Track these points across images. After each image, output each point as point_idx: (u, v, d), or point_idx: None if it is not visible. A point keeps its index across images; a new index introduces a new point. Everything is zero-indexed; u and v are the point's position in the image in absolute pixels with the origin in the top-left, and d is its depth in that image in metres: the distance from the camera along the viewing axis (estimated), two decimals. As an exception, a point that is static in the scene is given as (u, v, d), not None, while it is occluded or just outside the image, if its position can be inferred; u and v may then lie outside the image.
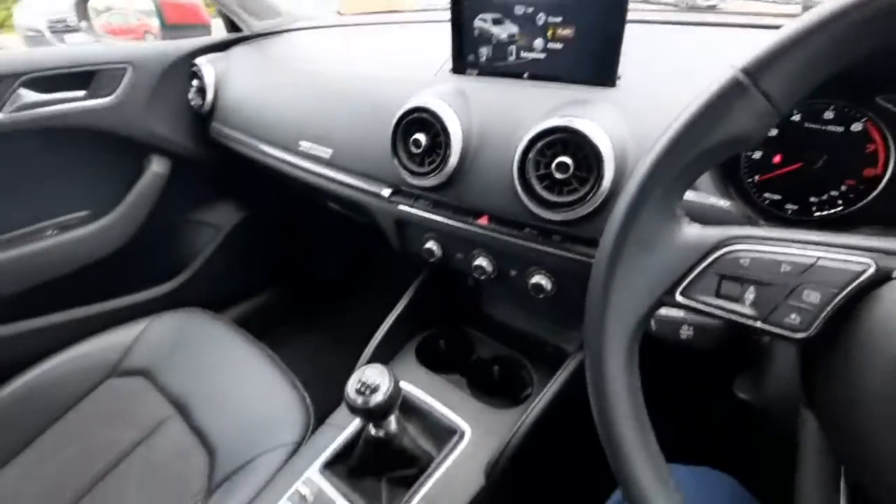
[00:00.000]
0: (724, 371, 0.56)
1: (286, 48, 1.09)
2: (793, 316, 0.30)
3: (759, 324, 0.32)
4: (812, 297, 0.29)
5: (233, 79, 1.08)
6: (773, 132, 0.56)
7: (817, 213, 0.54)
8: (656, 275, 0.34)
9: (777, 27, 0.32)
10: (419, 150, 0.68)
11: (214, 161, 1.23)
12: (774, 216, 0.57)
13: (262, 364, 0.91)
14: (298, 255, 1.63)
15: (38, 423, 0.88)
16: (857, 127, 0.52)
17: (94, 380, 0.93)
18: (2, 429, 0.86)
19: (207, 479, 0.77)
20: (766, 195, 0.58)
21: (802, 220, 0.55)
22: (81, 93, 1.03)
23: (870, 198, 0.51)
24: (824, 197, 0.53)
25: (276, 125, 0.96)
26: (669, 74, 0.61)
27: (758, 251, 0.32)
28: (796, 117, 0.54)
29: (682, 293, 0.34)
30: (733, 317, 0.32)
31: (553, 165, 0.57)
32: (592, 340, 0.35)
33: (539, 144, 0.58)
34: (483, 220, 0.69)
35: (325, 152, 0.85)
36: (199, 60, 1.10)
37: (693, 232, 0.35)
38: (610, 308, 0.35)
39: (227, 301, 1.41)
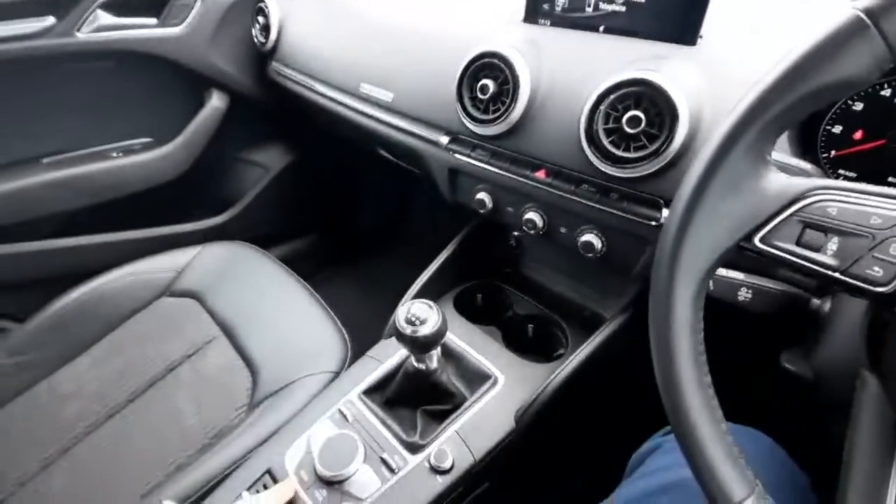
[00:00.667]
0: (773, 341, 0.56)
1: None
2: (875, 269, 0.30)
3: (837, 274, 0.31)
4: None
5: (297, 18, 1.09)
6: (859, 106, 0.54)
7: (895, 195, 0.52)
8: (738, 218, 0.34)
9: None
10: (486, 97, 0.68)
11: (270, 102, 1.26)
12: None
13: (305, 299, 0.95)
14: (344, 202, 1.67)
15: (96, 331, 0.95)
16: None
17: (148, 298, 0.99)
18: (63, 332, 0.94)
19: (251, 395, 0.82)
20: (841, 172, 0.56)
21: None
22: (153, 20, 1.06)
23: None
24: None
25: (337, 66, 0.97)
26: (753, 34, 0.59)
27: (847, 201, 0.31)
28: (886, 92, 0.52)
29: (761, 239, 0.34)
30: (812, 265, 0.32)
31: (624, 119, 0.56)
32: (662, 278, 0.36)
33: (611, 97, 0.57)
34: (541, 174, 0.69)
35: (387, 95, 0.85)
36: (266, -4, 1.10)
37: (781, 178, 0.34)
38: (685, 247, 0.35)
39: (273, 240, 1.46)
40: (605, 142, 0.59)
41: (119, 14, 1.03)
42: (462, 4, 0.84)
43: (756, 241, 0.34)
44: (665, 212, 0.60)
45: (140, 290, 1.00)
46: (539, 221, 0.72)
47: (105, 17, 1.02)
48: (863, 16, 0.30)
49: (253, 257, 1.05)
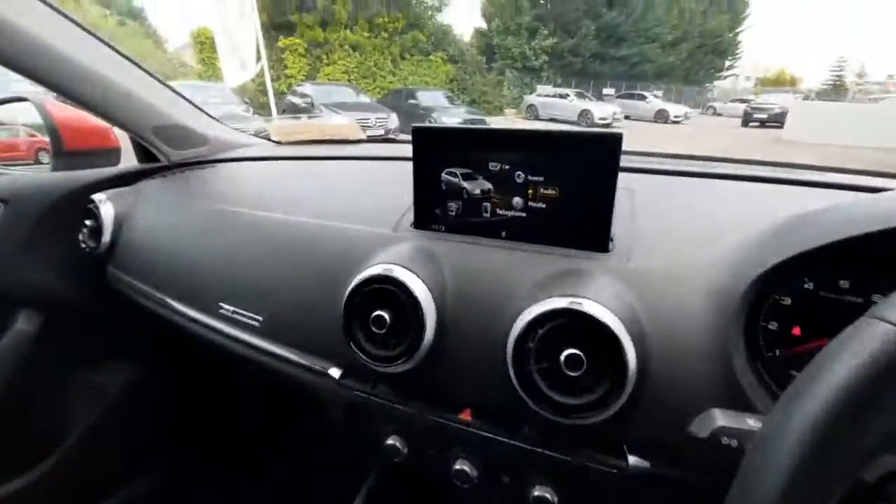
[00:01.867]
0: None
1: (211, 183, 0.94)
2: None
3: None
4: None
5: (139, 218, 0.90)
6: (787, 301, 0.50)
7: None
8: None
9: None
10: (382, 331, 0.53)
11: (105, 312, 0.99)
12: None
13: None
14: (206, 425, 1.30)
15: None
16: (878, 298, 0.47)
17: None
18: None
19: None
20: (792, 373, 0.49)
21: None
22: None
23: None
24: None
25: (191, 279, 0.77)
26: (667, 231, 0.55)
27: None
28: (809, 285, 0.48)
29: None
30: None
31: (562, 359, 0.45)
32: None
33: (540, 332, 0.46)
34: (466, 416, 0.54)
35: (254, 319, 0.67)
36: (98, 196, 0.91)
37: None
38: None
39: (111, 483, 1.05)
40: (543, 386, 0.46)
41: None
42: (345, 203, 0.74)
43: None
44: (632, 458, 0.47)
45: None
46: (472, 472, 0.55)
47: None
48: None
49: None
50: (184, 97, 1.08)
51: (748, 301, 0.47)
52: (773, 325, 0.50)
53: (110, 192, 0.93)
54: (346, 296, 0.55)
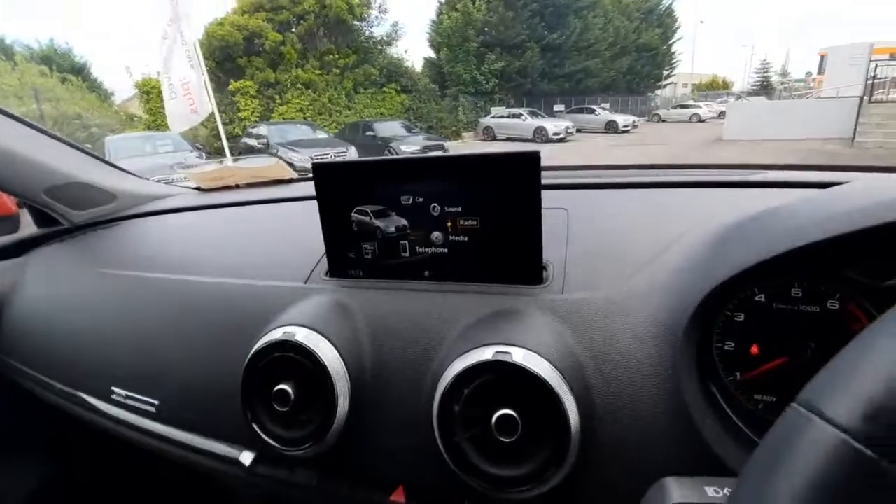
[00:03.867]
0: None
1: (111, 244, 0.84)
2: None
3: None
4: None
5: (26, 294, 0.78)
6: (741, 317, 0.44)
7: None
8: None
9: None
10: (286, 409, 0.44)
11: None
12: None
13: None
14: None
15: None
16: (833, 305, 0.42)
17: None
18: None
19: None
20: (757, 397, 0.44)
21: None
22: None
23: None
24: None
25: (80, 361, 0.66)
26: (605, 253, 0.50)
27: None
28: (760, 297, 0.44)
29: None
30: None
31: (493, 423, 0.37)
32: None
33: (466, 392, 0.39)
34: (398, 496, 0.45)
35: (149, 403, 0.57)
36: (-25, 272, 0.79)
37: None
38: None
39: None
40: (474, 457, 0.39)
41: None
42: (257, 255, 0.65)
43: None
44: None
45: None
46: (417, 560, 0.46)
47: None
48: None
49: None
50: (87, 152, 0.98)
51: (697, 323, 0.42)
52: (729, 346, 0.45)
53: (-7, 265, 0.81)
54: (242, 371, 0.46)
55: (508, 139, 15.53)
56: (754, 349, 0.44)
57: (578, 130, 16.26)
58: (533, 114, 16.09)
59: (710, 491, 0.29)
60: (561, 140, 14.57)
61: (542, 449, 0.37)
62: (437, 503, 0.44)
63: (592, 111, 18.55)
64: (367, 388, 0.46)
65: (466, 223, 0.49)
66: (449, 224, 0.49)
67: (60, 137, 0.92)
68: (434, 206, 0.49)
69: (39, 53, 16.83)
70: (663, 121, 22.66)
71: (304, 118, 14.75)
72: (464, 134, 17.88)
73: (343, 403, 0.44)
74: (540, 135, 14.67)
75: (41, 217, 0.96)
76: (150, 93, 13.80)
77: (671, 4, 23.91)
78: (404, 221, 0.51)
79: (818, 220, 0.38)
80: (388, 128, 11.61)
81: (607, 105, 20.84)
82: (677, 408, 0.38)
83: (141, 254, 0.77)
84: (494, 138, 16.07)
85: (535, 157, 0.44)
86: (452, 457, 0.39)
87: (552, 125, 14.94)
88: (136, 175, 1.07)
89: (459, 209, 0.48)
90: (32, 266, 0.82)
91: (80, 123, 11.70)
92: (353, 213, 0.52)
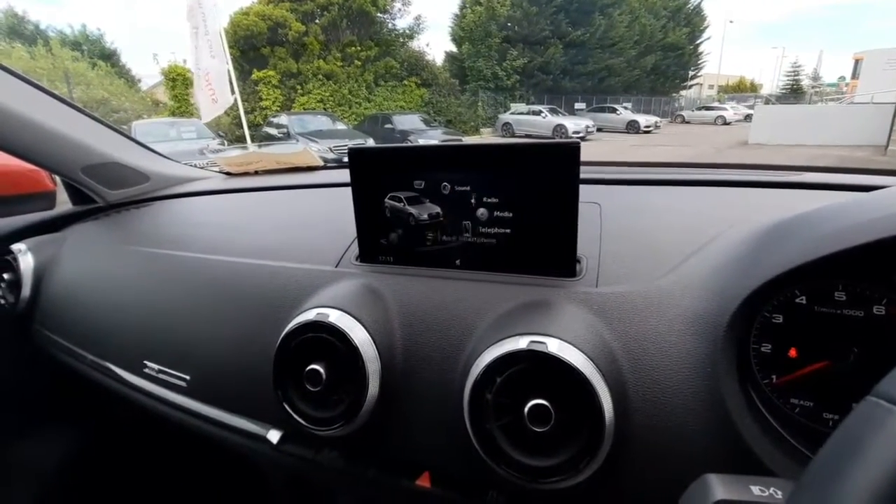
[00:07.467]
0: None
1: (146, 223, 0.86)
2: None
3: None
4: None
5: (65, 268, 0.80)
6: (779, 318, 0.43)
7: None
8: None
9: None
10: (318, 388, 0.45)
11: (37, 377, 0.88)
12: (810, 431, 0.42)
13: None
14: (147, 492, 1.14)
15: None
16: (879, 310, 0.41)
17: None
18: None
19: None
20: (794, 401, 0.43)
21: None
22: None
23: None
24: None
25: (113, 334, 0.68)
26: (640, 248, 0.49)
27: None
28: (801, 299, 0.43)
29: None
30: None
31: (525, 412, 0.37)
32: None
33: (498, 381, 0.39)
34: (423, 482, 0.46)
35: (180, 378, 0.58)
36: (17, 246, 0.82)
37: None
38: None
39: None
40: (504, 445, 0.39)
41: None
42: (289, 237, 0.66)
43: None
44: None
45: None
46: (439, 546, 0.47)
47: None
48: None
49: None
50: (124, 133, 1.00)
51: (738, 323, 0.41)
52: (766, 348, 0.44)
53: (32, 240, 0.83)
54: (276, 347, 0.47)
55: (527, 136, 15.41)
56: (792, 352, 0.43)
57: (599, 129, 16.04)
58: (553, 111, 15.92)
59: (755, 490, 0.28)
60: (581, 139, 14.35)
61: (576, 440, 0.37)
62: (463, 491, 0.45)
63: (614, 110, 18.27)
64: (398, 371, 0.46)
65: (501, 212, 0.48)
66: (482, 213, 0.49)
67: (99, 118, 0.94)
68: (468, 195, 0.49)
69: (72, 39, 17.29)
70: (687, 122, 22.23)
71: (325, 109, 14.85)
72: (482, 130, 17.80)
73: (374, 385, 0.44)
74: (559, 133, 14.51)
75: (77, 195, 0.99)
76: (175, 80, 14.04)
77: (700, 3, 23.26)
78: (437, 209, 0.51)
79: (867, 222, 0.37)
80: (407, 121, 11.62)
81: (629, 105, 20.48)
82: (715, 406, 0.37)
83: (173, 233, 0.79)
84: (513, 135, 15.94)
85: (574, 146, 0.44)
86: (483, 444, 0.39)
87: (572, 123, 14.76)
88: (168, 157, 1.10)
89: (494, 198, 0.48)
90: (69, 241, 0.85)
91: (109, 108, 11.99)
92: (386, 200, 0.52)
